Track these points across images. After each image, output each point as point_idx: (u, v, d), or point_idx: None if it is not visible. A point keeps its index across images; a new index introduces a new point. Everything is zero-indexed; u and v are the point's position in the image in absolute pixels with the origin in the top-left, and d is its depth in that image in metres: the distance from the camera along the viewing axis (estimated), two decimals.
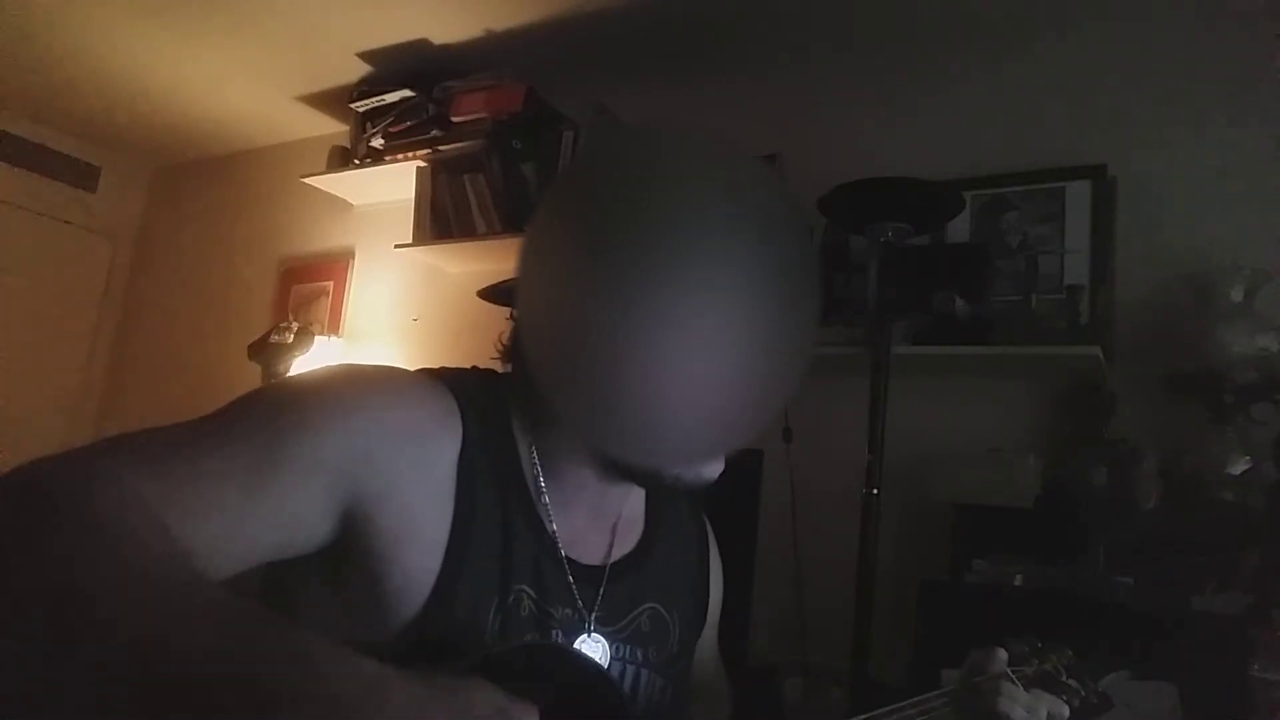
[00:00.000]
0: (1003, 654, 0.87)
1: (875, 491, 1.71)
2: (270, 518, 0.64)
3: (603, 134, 2.49)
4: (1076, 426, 1.89)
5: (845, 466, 1.80)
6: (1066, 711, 0.86)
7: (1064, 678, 0.89)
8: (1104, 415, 1.83)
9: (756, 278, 0.64)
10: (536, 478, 0.81)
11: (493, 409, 0.80)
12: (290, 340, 2.85)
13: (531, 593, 0.78)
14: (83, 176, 3.77)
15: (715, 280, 0.63)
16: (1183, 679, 1.34)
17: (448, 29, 2.64)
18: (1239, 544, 1.54)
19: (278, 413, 0.68)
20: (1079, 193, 2.05)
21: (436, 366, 0.83)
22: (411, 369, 0.82)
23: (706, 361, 0.64)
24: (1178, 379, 1.78)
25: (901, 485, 1.94)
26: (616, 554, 0.86)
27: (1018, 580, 1.65)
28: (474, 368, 0.87)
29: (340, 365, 0.79)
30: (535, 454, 0.82)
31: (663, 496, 0.95)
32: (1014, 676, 0.85)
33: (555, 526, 0.81)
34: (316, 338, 2.93)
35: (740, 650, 1.86)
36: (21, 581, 0.48)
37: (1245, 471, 1.64)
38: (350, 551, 0.70)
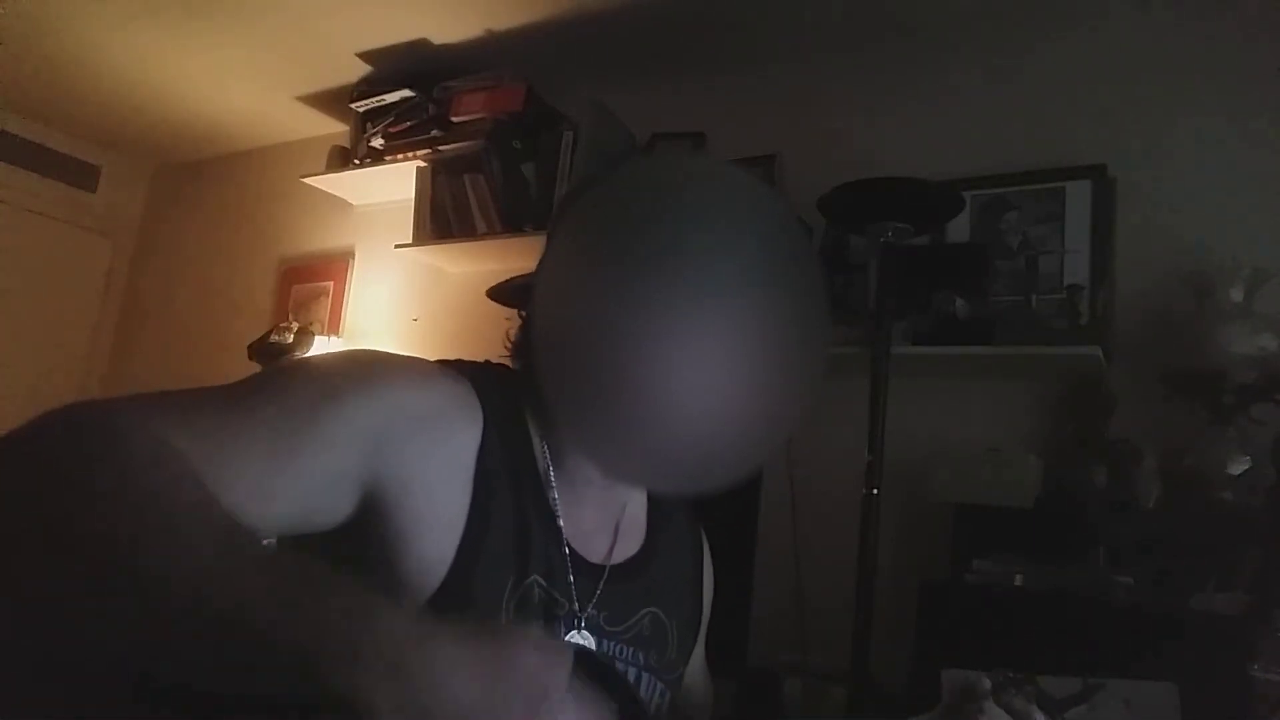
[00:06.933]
0: (986, 681, 0.87)
1: (875, 491, 1.71)
2: (295, 486, 0.64)
3: (602, 135, 2.48)
4: (1076, 426, 1.88)
5: (845, 466, 1.80)
6: None
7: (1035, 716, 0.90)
8: (1104, 415, 1.83)
9: (764, 297, 0.65)
10: (547, 471, 0.83)
11: (507, 402, 0.81)
12: (290, 340, 2.85)
13: (543, 582, 0.79)
14: (83, 176, 3.77)
15: (723, 298, 0.64)
16: (1183, 679, 1.34)
17: (448, 29, 2.64)
18: (1239, 544, 1.54)
19: (308, 384, 0.68)
20: (1079, 193, 2.05)
21: (452, 359, 0.83)
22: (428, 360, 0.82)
23: (712, 382, 0.65)
24: (1178, 379, 1.78)
25: (901, 485, 1.94)
26: (619, 556, 0.87)
27: (1018, 580, 1.65)
28: (487, 361, 0.87)
29: (365, 349, 0.80)
30: (546, 449, 0.83)
31: (663, 503, 0.96)
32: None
33: (563, 521, 0.82)
34: (316, 338, 2.92)
35: (740, 650, 1.86)
36: (60, 525, 0.47)
37: (1245, 471, 1.63)
38: (369, 533, 0.70)
